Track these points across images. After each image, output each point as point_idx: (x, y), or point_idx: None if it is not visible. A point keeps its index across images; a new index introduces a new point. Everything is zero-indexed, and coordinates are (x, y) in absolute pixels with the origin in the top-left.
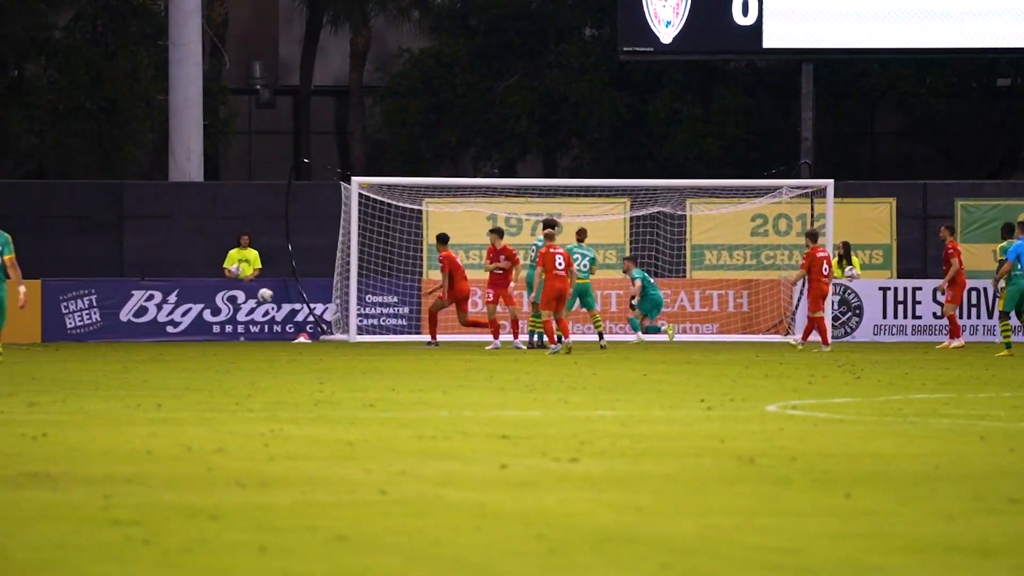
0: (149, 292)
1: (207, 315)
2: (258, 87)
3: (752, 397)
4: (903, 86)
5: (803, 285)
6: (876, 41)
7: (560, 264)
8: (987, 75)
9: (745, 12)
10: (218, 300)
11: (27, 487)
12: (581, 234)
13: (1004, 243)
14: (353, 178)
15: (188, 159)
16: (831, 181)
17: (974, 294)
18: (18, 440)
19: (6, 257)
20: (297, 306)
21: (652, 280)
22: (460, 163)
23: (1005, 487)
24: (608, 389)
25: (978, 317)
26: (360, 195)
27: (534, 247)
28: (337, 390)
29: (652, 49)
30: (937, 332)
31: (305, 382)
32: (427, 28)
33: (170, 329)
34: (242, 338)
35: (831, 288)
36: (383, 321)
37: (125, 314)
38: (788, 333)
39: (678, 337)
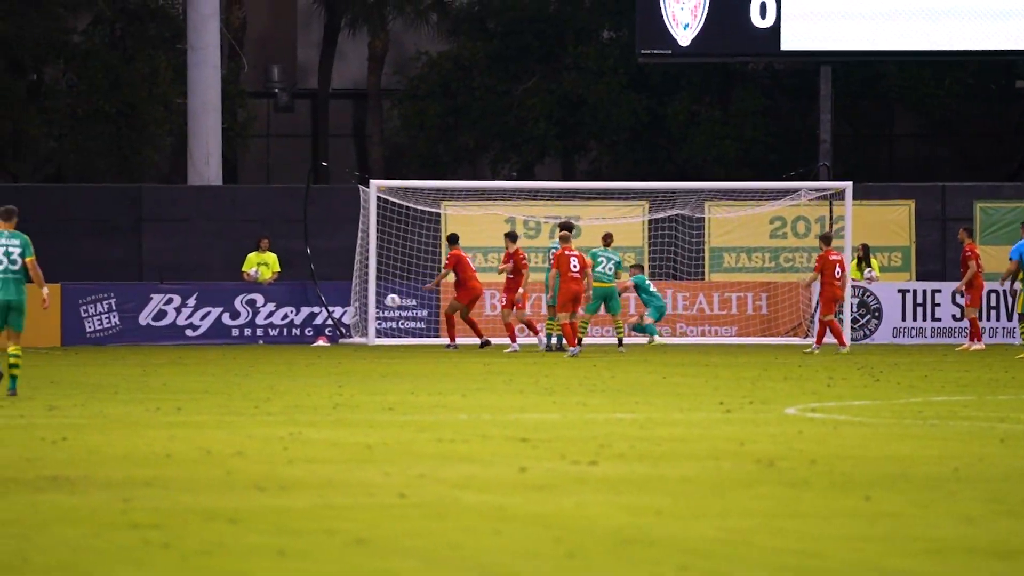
0: (168, 296)
1: (226, 318)
2: (276, 90)
3: (771, 400)
4: (921, 88)
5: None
6: (894, 43)
7: (575, 266)
8: (1005, 77)
9: (763, 14)
10: (237, 304)
11: (46, 491)
12: (607, 238)
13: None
14: (371, 181)
15: (207, 162)
16: (850, 183)
17: (993, 296)
18: (38, 444)
19: (27, 259)
20: (316, 309)
21: (652, 288)
22: (478, 166)
23: None
24: (627, 392)
25: (997, 319)
26: (378, 198)
27: (552, 250)
28: (356, 393)
29: (670, 51)
30: (956, 334)
31: (324, 385)
32: (445, 31)
33: (189, 333)
34: (261, 341)
35: (848, 291)
36: (401, 324)
37: (144, 318)
38: (807, 336)
39: (690, 340)
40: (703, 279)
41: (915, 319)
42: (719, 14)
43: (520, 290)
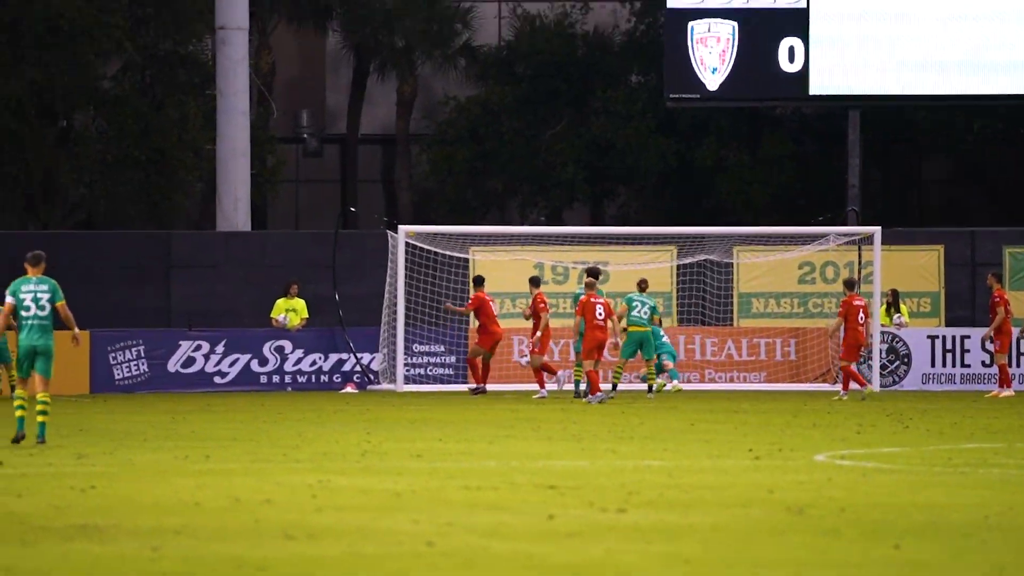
0: (197, 342)
1: (254, 365)
2: (305, 136)
3: (800, 447)
4: (951, 133)
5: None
6: (922, 87)
7: (600, 314)
8: None
9: (791, 59)
10: (265, 350)
11: (76, 539)
12: (643, 284)
13: None
14: (400, 226)
15: (235, 208)
16: (878, 228)
17: (1022, 342)
18: (67, 492)
19: (58, 304)
20: (344, 356)
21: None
22: (507, 211)
23: None
24: (656, 439)
25: None
26: (407, 243)
27: (579, 296)
28: (384, 440)
29: (698, 96)
30: (986, 381)
31: (352, 432)
32: (473, 76)
33: (217, 379)
34: (289, 388)
35: (877, 336)
36: (430, 370)
37: (173, 365)
38: (835, 382)
39: (719, 386)
40: (731, 325)
41: (944, 365)
42: (747, 58)
43: (537, 333)
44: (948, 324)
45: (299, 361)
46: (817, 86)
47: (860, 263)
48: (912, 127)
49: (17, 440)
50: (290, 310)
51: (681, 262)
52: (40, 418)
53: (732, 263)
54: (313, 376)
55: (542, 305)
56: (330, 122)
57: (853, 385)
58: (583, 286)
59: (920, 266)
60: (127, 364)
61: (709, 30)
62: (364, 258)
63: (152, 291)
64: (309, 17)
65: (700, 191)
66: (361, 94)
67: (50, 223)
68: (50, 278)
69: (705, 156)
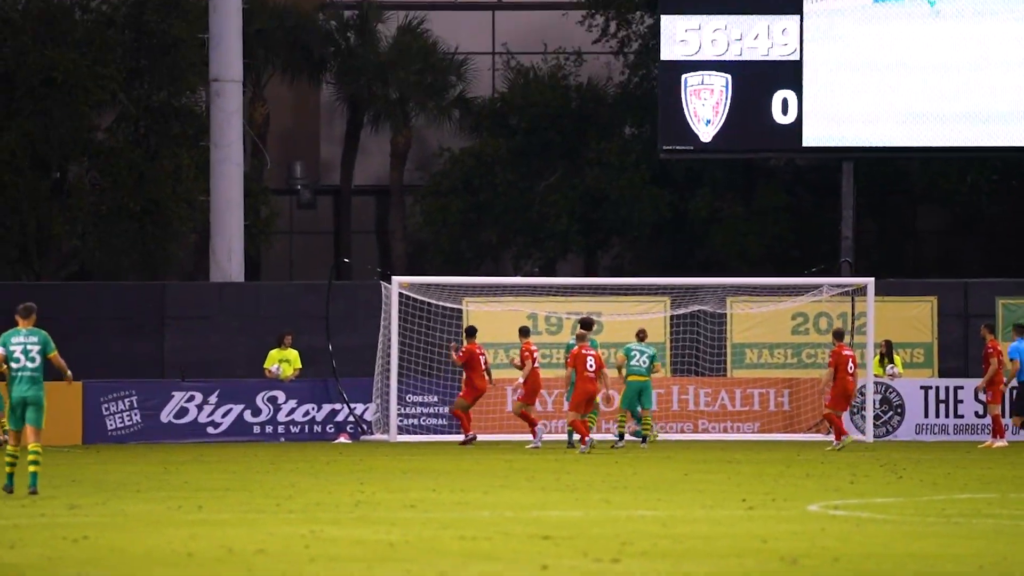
0: (190, 393)
1: (247, 416)
2: (299, 187)
3: (794, 497)
4: (945, 184)
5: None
6: (916, 139)
7: (591, 366)
8: None
9: (785, 111)
10: (258, 401)
11: None
12: (641, 334)
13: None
14: (393, 277)
15: (229, 259)
16: (871, 279)
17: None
18: (59, 543)
19: (50, 355)
20: (337, 406)
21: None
22: (501, 262)
23: None
24: (649, 489)
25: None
26: (400, 294)
27: (570, 347)
28: (378, 491)
29: (692, 147)
30: (979, 431)
31: (346, 483)
32: (467, 127)
33: (211, 430)
34: (282, 439)
35: (870, 386)
36: (423, 421)
37: (166, 415)
38: (829, 432)
39: (712, 436)
40: (725, 375)
41: (938, 416)
42: (740, 110)
43: (519, 380)
44: (941, 375)
45: (292, 411)
46: (811, 138)
47: (854, 314)
48: (906, 178)
49: (7, 490)
50: (283, 360)
51: (675, 312)
52: (32, 468)
53: (726, 313)
54: (306, 426)
55: (526, 354)
56: (324, 173)
57: (856, 435)
58: (575, 337)
59: (913, 317)
60: (120, 415)
61: (703, 82)
62: (357, 309)
63: (145, 341)
64: (303, 69)
65: (694, 242)
66: (355, 145)
67: (44, 274)
68: (41, 329)
69: (699, 207)
